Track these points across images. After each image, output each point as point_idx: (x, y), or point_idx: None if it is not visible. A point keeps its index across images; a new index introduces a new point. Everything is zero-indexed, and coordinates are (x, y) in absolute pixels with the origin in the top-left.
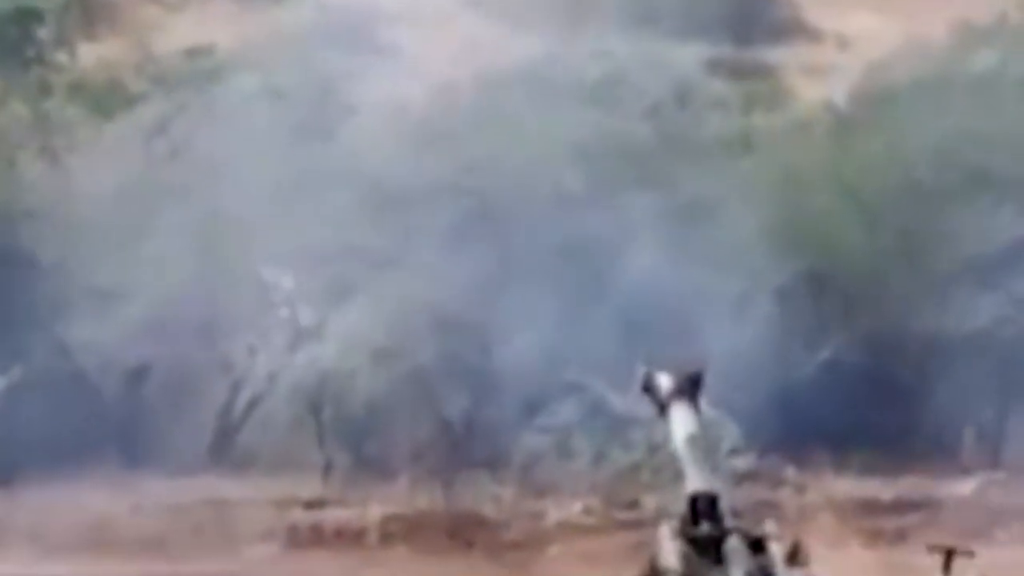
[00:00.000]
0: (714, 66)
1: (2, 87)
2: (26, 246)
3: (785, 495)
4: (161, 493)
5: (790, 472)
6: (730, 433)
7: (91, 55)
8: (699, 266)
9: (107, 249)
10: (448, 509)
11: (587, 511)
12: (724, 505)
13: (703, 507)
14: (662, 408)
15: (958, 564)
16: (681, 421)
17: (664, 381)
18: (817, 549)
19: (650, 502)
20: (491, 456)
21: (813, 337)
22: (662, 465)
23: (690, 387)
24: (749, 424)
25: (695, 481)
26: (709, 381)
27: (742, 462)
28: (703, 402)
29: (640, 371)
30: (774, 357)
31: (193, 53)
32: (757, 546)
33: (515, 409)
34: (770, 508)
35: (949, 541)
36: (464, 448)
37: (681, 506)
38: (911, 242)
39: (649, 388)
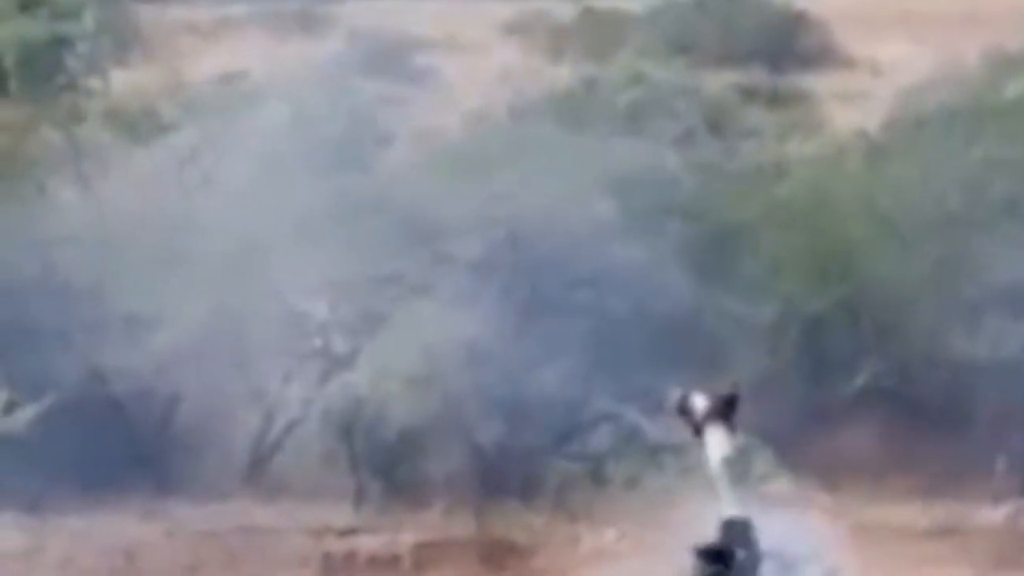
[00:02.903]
0: (747, 93)
1: (33, 113)
2: (58, 272)
3: (819, 521)
4: (194, 520)
5: (823, 498)
6: (762, 458)
7: (123, 81)
8: (731, 294)
9: (140, 276)
10: (481, 536)
11: (620, 537)
12: (757, 530)
13: (737, 533)
14: (697, 430)
15: None
16: (716, 443)
17: (699, 402)
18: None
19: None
20: (524, 483)
21: (846, 364)
22: (695, 490)
23: (725, 409)
24: (782, 450)
25: (729, 506)
26: (742, 408)
27: (774, 488)
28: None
29: (674, 393)
30: (807, 384)
31: (225, 80)
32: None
33: (548, 436)
34: (804, 534)
35: (981, 569)
36: (497, 475)
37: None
38: (944, 270)
39: (684, 410)
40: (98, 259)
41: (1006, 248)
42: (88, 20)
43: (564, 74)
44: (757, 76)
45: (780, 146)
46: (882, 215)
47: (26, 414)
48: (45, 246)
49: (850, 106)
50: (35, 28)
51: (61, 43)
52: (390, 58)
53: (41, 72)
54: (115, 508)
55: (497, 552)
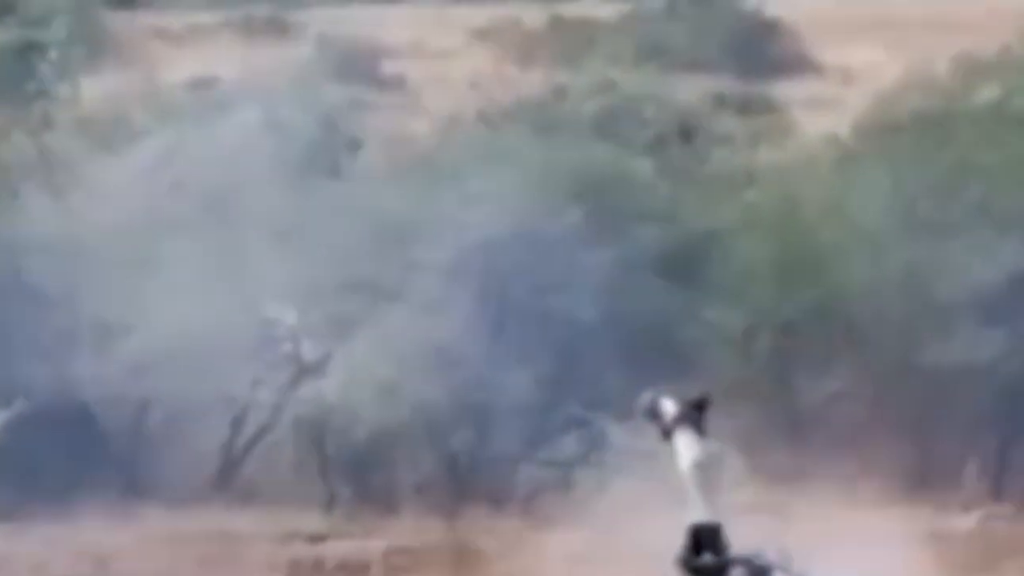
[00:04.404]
0: (718, 100)
1: (5, 120)
2: (29, 279)
3: (789, 527)
4: (164, 526)
5: (793, 504)
6: (733, 464)
7: (94, 88)
8: (702, 300)
9: (110, 283)
10: (451, 542)
11: (589, 542)
12: (726, 536)
13: (705, 538)
14: (666, 434)
15: None
16: (686, 448)
17: (668, 407)
18: None
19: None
20: (494, 489)
21: (817, 370)
22: (664, 496)
23: (695, 413)
24: (752, 456)
25: (698, 511)
26: (712, 413)
27: (745, 493)
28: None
29: (644, 396)
30: (778, 390)
31: (196, 86)
32: None
33: (517, 443)
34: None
35: (953, 574)
36: (467, 481)
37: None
38: (915, 275)
39: (653, 414)
40: (69, 266)
41: (978, 254)
42: (59, 27)
43: (534, 80)
44: (728, 83)
45: (751, 152)
46: (853, 221)
47: None
48: (16, 253)
49: (821, 112)
50: (5, 35)
51: (32, 49)
52: (360, 64)
53: (12, 79)
54: (87, 514)
55: (467, 558)
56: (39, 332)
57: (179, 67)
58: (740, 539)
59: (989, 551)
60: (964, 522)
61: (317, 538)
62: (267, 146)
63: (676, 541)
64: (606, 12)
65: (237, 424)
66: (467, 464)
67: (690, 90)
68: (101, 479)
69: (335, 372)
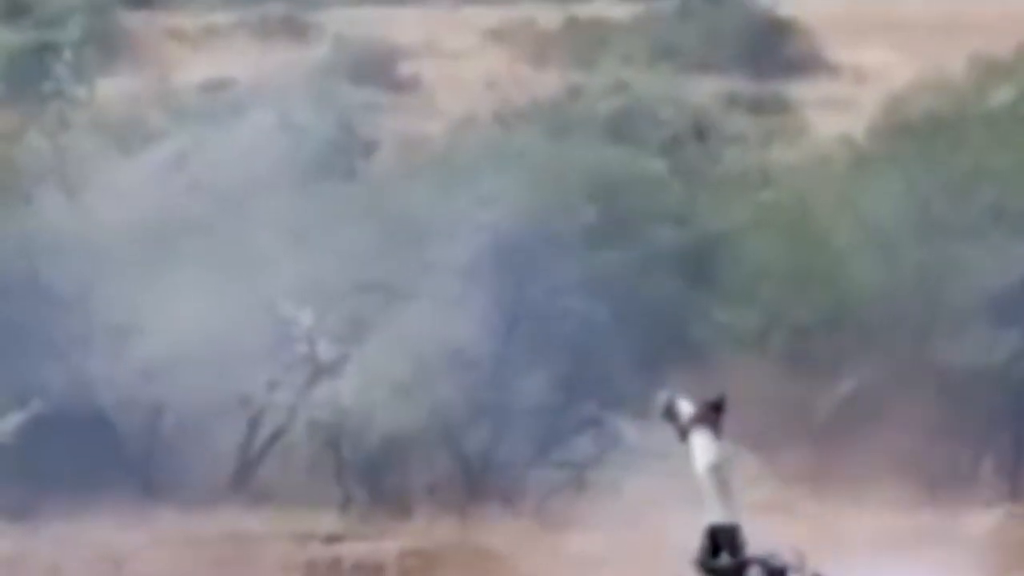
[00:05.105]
0: (732, 100)
1: (20, 121)
2: (45, 280)
3: (804, 527)
4: (180, 527)
5: (808, 505)
6: (748, 464)
7: (109, 89)
8: (717, 300)
9: (126, 284)
10: (465, 543)
11: (603, 543)
12: (743, 536)
13: (723, 538)
14: (683, 435)
15: None
16: (702, 449)
17: (685, 407)
18: None
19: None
20: (508, 490)
21: (832, 370)
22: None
23: (711, 414)
24: (767, 457)
25: (715, 512)
26: (728, 415)
27: (761, 494)
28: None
29: (661, 396)
30: (791, 391)
31: (211, 87)
32: None
33: (531, 443)
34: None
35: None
36: (481, 482)
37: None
38: (928, 276)
39: (670, 414)
40: (84, 267)
41: (992, 255)
42: (74, 27)
43: (548, 81)
44: (741, 83)
45: (764, 153)
46: (866, 222)
47: (12, 422)
48: (31, 254)
49: (834, 113)
50: (20, 36)
51: (47, 50)
52: (376, 66)
53: (28, 79)
54: (102, 515)
55: (481, 559)
56: (54, 333)
57: (194, 68)
58: (755, 538)
59: (1007, 551)
60: (981, 522)
61: (332, 539)
62: (282, 147)
63: (691, 541)
64: (620, 13)
65: (253, 425)
66: (481, 465)
67: (703, 90)
68: (116, 480)
69: (351, 373)
